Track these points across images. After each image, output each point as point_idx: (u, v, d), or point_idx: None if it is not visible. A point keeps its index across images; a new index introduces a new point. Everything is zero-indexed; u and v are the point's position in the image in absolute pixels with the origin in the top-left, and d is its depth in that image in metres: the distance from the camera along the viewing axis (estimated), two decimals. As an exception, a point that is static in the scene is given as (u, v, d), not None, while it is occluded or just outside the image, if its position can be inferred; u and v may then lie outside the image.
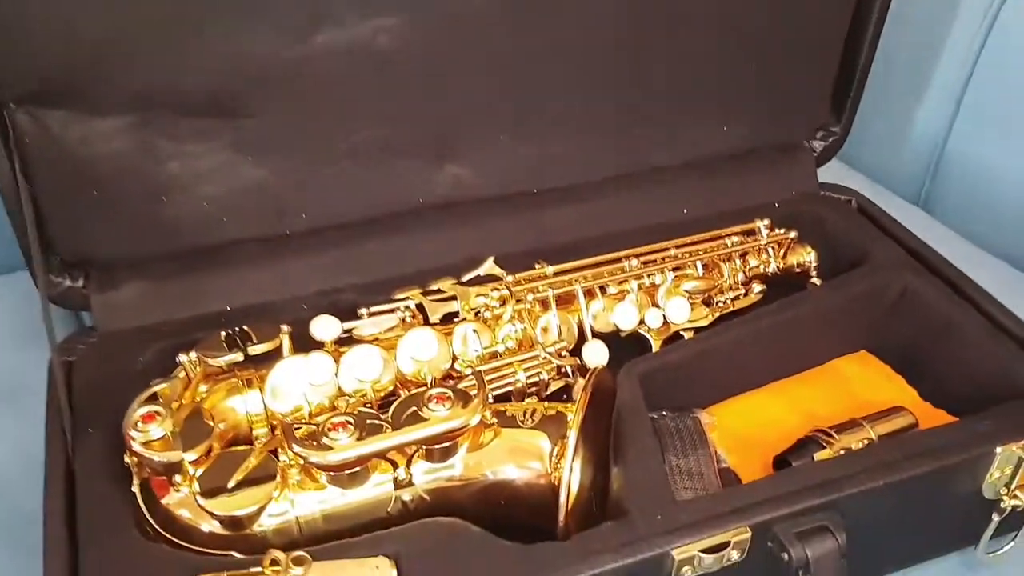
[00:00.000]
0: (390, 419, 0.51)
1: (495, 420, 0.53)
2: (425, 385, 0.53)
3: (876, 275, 0.68)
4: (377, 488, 0.51)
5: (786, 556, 0.49)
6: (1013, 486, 0.55)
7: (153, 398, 0.51)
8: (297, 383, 0.55)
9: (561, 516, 0.49)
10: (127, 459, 0.51)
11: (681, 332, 0.65)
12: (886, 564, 0.58)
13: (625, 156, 0.70)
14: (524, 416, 0.53)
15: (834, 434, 0.59)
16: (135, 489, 0.50)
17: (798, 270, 0.71)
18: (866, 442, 0.58)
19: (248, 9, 0.53)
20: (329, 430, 0.49)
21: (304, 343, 0.56)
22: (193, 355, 0.54)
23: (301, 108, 0.59)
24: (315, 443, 0.49)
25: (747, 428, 0.63)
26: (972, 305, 0.65)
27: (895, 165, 0.96)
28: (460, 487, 0.52)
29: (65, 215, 0.57)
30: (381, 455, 0.50)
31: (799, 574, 0.50)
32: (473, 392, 0.52)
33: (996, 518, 0.56)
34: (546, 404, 0.54)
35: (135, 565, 0.46)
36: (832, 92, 0.75)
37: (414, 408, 0.51)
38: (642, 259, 0.65)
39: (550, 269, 0.63)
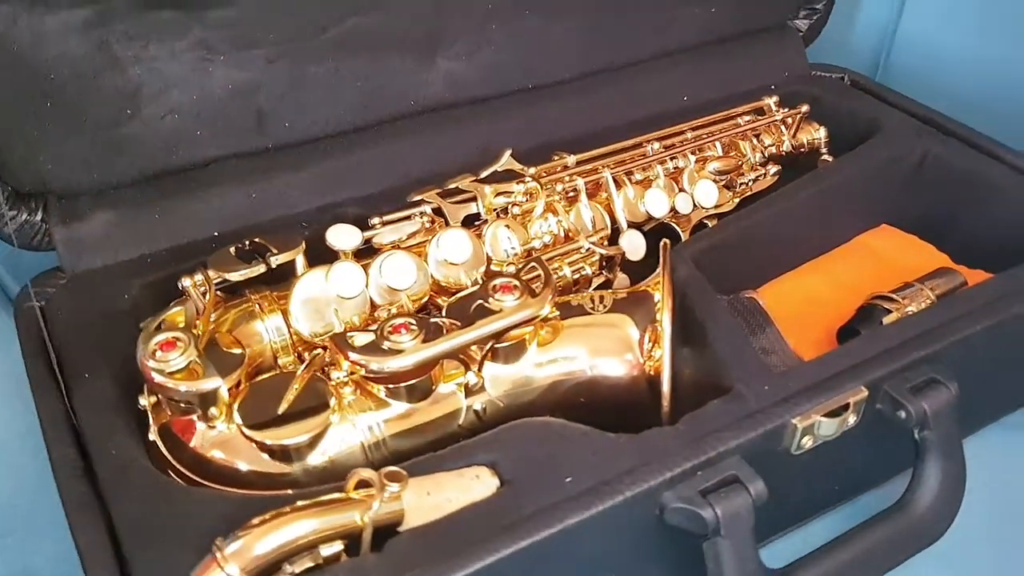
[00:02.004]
0: (456, 321, 0.44)
1: (558, 313, 0.47)
2: (460, 290, 0.47)
3: (892, 143, 0.65)
4: (445, 399, 0.44)
5: (903, 413, 0.45)
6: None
7: (165, 327, 0.42)
8: (324, 300, 0.47)
9: (665, 402, 0.43)
10: (143, 401, 0.42)
11: (704, 221, 0.61)
12: (981, 417, 0.55)
13: (617, 46, 0.65)
14: (594, 304, 0.47)
15: (896, 298, 0.55)
16: (153, 436, 0.42)
17: (809, 148, 0.67)
18: (928, 302, 0.55)
19: None
20: (390, 333, 0.42)
21: (317, 260, 0.48)
22: (198, 278, 0.45)
23: (275, -3, 0.51)
24: (376, 350, 0.41)
25: (794, 308, 0.59)
26: (995, 159, 0.63)
27: (849, 50, 0.95)
28: (538, 390, 0.45)
29: (15, 134, 0.47)
30: (452, 355, 0.43)
31: (916, 432, 0.45)
32: (537, 283, 0.46)
33: (1077, 359, 0.54)
34: (614, 290, 0.49)
35: (180, 512, 0.38)
36: (815, -35, 0.71)
37: (479, 302, 0.44)
38: (663, 143, 0.60)
39: (571, 159, 0.57)
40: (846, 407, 0.44)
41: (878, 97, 0.71)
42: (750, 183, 0.64)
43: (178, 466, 0.42)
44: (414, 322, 0.42)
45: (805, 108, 0.66)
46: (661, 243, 0.48)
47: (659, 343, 0.43)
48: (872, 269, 0.63)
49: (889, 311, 0.54)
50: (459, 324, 0.43)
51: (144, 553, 0.36)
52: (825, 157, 0.67)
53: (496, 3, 0.58)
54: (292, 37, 0.53)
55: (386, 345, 0.42)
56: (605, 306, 0.47)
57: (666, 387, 0.43)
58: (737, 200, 0.63)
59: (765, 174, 0.65)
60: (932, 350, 0.47)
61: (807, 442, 0.44)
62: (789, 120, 0.66)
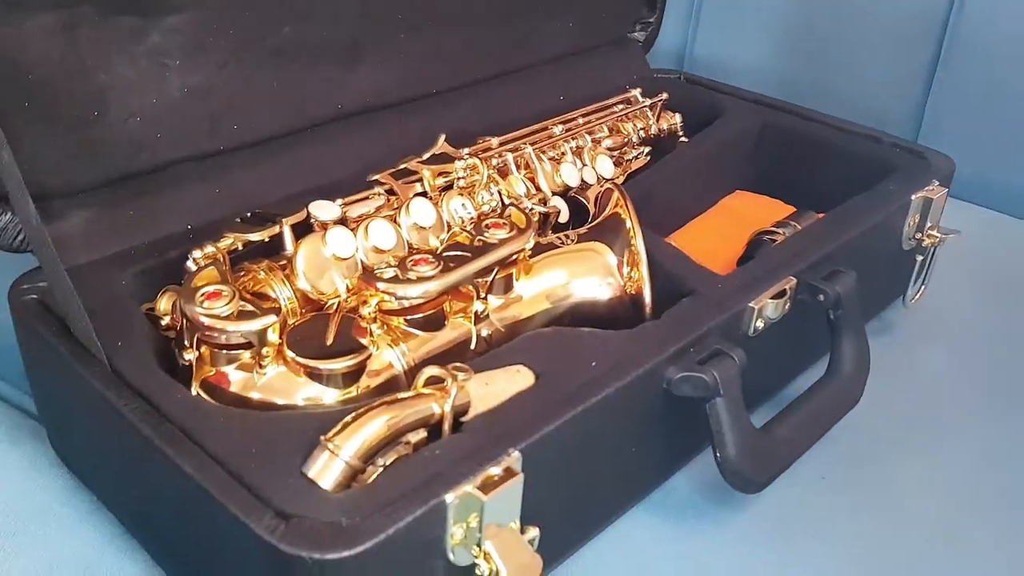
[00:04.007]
0: (467, 252, 0.49)
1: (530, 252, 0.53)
2: (429, 251, 0.52)
3: (736, 120, 0.77)
4: (458, 327, 0.49)
5: (821, 296, 0.55)
6: (926, 228, 0.66)
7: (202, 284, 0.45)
8: (322, 261, 0.51)
9: (647, 308, 0.51)
10: (186, 356, 0.44)
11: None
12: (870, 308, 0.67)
13: (510, 52, 0.74)
14: (563, 240, 0.54)
15: (775, 230, 0.66)
16: (196, 390, 0.44)
17: (669, 132, 0.78)
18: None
19: None
20: (413, 266, 0.47)
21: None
22: (209, 249, 0.48)
23: (219, 6, 0.55)
24: (403, 280, 0.46)
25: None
26: (821, 123, 0.77)
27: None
28: (531, 316, 0.51)
29: (-3, 135, 0.48)
30: (468, 282, 0.48)
31: (832, 313, 0.56)
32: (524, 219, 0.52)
33: (919, 259, 0.67)
34: (576, 229, 0.56)
35: (267, 430, 0.41)
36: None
37: (478, 239, 0.50)
38: (564, 126, 0.69)
39: (495, 141, 0.64)
40: (783, 292, 0.53)
41: (712, 88, 0.83)
42: (632, 160, 0.73)
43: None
44: (431, 256, 0.48)
45: (664, 95, 0.77)
46: (612, 183, 0.56)
47: (635, 262, 0.51)
48: (739, 223, 0.73)
49: (774, 240, 0.65)
50: (469, 256, 0.48)
51: (252, 463, 0.38)
52: (683, 139, 0.78)
53: (405, 16, 0.65)
54: (237, 44, 0.56)
55: (411, 275, 0.46)
56: (573, 238, 0.54)
57: (647, 295, 0.50)
58: (624, 176, 0.72)
59: (641, 154, 0.75)
60: (829, 249, 0.57)
61: (759, 323, 0.53)
62: (653, 107, 0.77)
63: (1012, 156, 0.91)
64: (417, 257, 0.48)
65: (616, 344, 0.48)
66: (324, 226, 0.52)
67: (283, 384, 0.44)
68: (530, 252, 0.53)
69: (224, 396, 0.44)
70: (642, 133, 0.76)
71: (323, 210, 0.53)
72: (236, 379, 0.44)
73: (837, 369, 0.56)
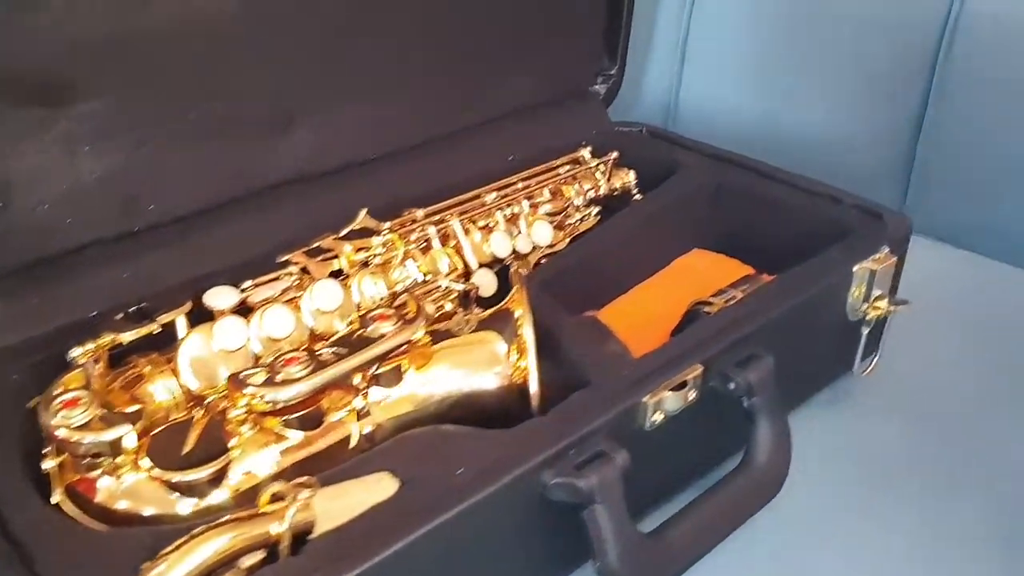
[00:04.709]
0: (343, 349, 0.48)
1: (429, 339, 0.52)
2: (333, 336, 0.52)
3: (691, 178, 0.75)
4: (337, 426, 0.48)
5: (732, 384, 0.53)
6: (872, 299, 0.63)
7: (63, 390, 0.45)
8: (209, 356, 0.50)
9: (535, 400, 0.49)
10: (46, 464, 0.44)
11: (541, 260, 0.68)
12: (795, 397, 0.64)
13: (447, 115, 0.73)
14: (460, 327, 0.53)
15: (712, 300, 0.64)
16: (58, 498, 0.44)
17: (621, 191, 0.76)
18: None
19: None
20: (282, 367, 0.46)
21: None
22: (90, 346, 0.48)
23: (136, 87, 0.55)
24: (271, 382, 0.46)
25: (631, 324, 0.66)
26: (780, 182, 0.74)
27: (638, 116, 1.07)
28: (419, 409, 0.50)
29: None
30: (341, 381, 0.47)
31: (745, 400, 0.53)
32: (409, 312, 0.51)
33: (864, 331, 0.64)
34: (477, 311, 0.55)
35: (102, 550, 0.40)
36: (604, 36, 0.82)
37: (359, 333, 0.49)
38: (499, 193, 0.68)
39: (420, 212, 0.64)
40: (685, 383, 0.51)
41: (673, 143, 0.81)
42: (577, 223, 0.72)
43: (88, 522, 0.44)
44: (303, 355, 0.47)
45: (614, 154, 0.75)
46: (512, 267, 0.55)
47: (523, 351, 0.49)
48: (692, 285, 0.71)
49: (709, 312, 0.63)
50: (344, 353, 0.47)
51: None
52: (636, 197, 0.76)
53: (335, 84, 0.65)
54: (153, 124, 0.57)
55: (279, 377, 0.46)
56: (471, 328, 0.53)
57: (534, 387, 0.49)
58: (568, 239, 0.70)
59: (588, 215, 0.73)
60: (748, 331, 0.55)
61: (658, 417, 0.51)
62: (603, 166, 0.75)
63: (1005, 200, 0.87)
64: (288, 356, 0.47)
65: (492, 445, 0.47)
66: (222, 314, 0.52)
67: (144, 492, 0.44)
68: (428, 340, 0.52)
69: (87, 505, 0.44)
70: (592, 193, 0.74)
71: (218, 298, 0.53)
72: (101, 487, 0.44)
73: (750, 460, 0.53)
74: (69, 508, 0.44)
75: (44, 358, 0.52)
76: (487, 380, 0.50)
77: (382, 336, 0.48)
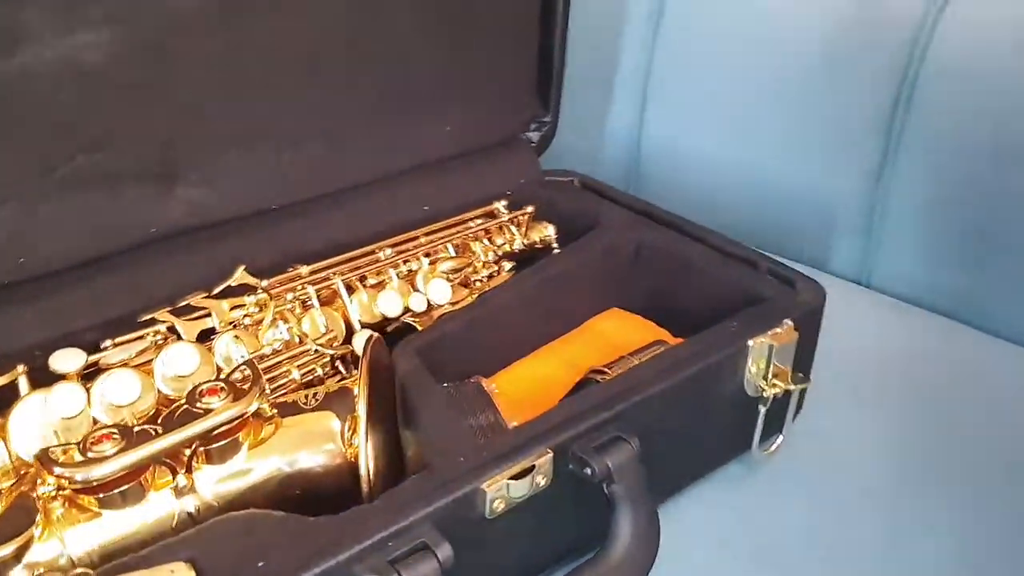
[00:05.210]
0: (160, 426, 0.47)
1: (275, 412, 0.51)
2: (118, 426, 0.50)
3: (608, 234, 0.72)
4: (157, 504, 0.47)
5: (589, 470, 0.50)
6: (770, 376, 0.60)
7: None
8: (45, 422, 0.49)
9: (364, 484, 0.47)
10: None
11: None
12: (678, 480, 0.61)
13: (358, 163, 0.71)
14: (307, 400, 0.51)
15: (606, 370, 0.61)
16: None
17: (541, 245, 0.74)
18: (634, 372, 0.61)
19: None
20: (92, 444, 0.45)
21: (47, 384, 0.51)
22: (-87, 408, 0.47)
23: (5, 137, 0.54)
24: (79, 461, 0.44)
25: (527, 391, 0.64)
26: (701, 243, 0.71)
27: (603, 157, 1.05)
28: (250, 487, 0.49)
29: None
30: (156, 460, 0.46)
31: (605, 486, 0.51)
32: (246, 383, 0.49)
33: (762, 409, 0.61)
34: (327, 384, 0.53)
35: None
36: (536, 84, 0.80)
37: (185, 407, 0.47)
38: (395, 249, 0.66)
39: (305, 269, 0.62)
40: (531, 469, 0.49)
41: (602, 195, 0.79)
42: (485, 279, 0.69)
43: None
44: (117, 432, 0.45)
45: (530, 209, 0.73)
46: (367, 336, 0.53)
47: (357, 431, 0.47)
48: (601, 349, 0.69)
49: (600, 383, 0.60)
50: (158, 432, 0.46)
51: None
52: (556, 252, 0.74)
53: (227, 130, 0.63)
54: (19, 178, 0.56)
55: (89, 455, 0.44)
56: (317, 400, 0.51)
57: (363, 469, 0.47)
58: (476, 295, 0.68)
59: (500, 270, 0.71)
60: (614, 411, 0.52)
61: (499, 506, 0.48)
62: (518, 220, 0.73)
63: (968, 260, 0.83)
64: (100, 434, 0.45)
65: (309, 533, 0.44)
66: (63, 379, 0.51)
67: (-63, 569, 0.43)
68: (274, 413, 0.50)
69: None
70: (507, 248, 0.72)
71: (63, 360, 0.52)
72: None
73: (605, 552, 0.50)
74: None
75: None
76: (319, 460, 0.49)
77: (206, 412, 0.47)
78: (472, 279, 0.69)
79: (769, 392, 0.60)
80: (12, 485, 0.46)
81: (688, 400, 0.57)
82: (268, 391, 0.53)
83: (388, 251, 0.65)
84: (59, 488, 0.45)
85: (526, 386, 0.65)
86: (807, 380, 0.61)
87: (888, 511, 0.61)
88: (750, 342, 0.59)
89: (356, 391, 0.48)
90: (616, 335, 0.71)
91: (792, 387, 0.60)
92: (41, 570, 0.42)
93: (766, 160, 0.94)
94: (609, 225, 0.73)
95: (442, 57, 0.73)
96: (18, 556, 0.43)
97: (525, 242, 0.73)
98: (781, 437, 0.63)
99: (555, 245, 0.74)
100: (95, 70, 0.55)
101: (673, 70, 0.98)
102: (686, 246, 0.71)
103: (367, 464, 0.47)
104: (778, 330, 0.60)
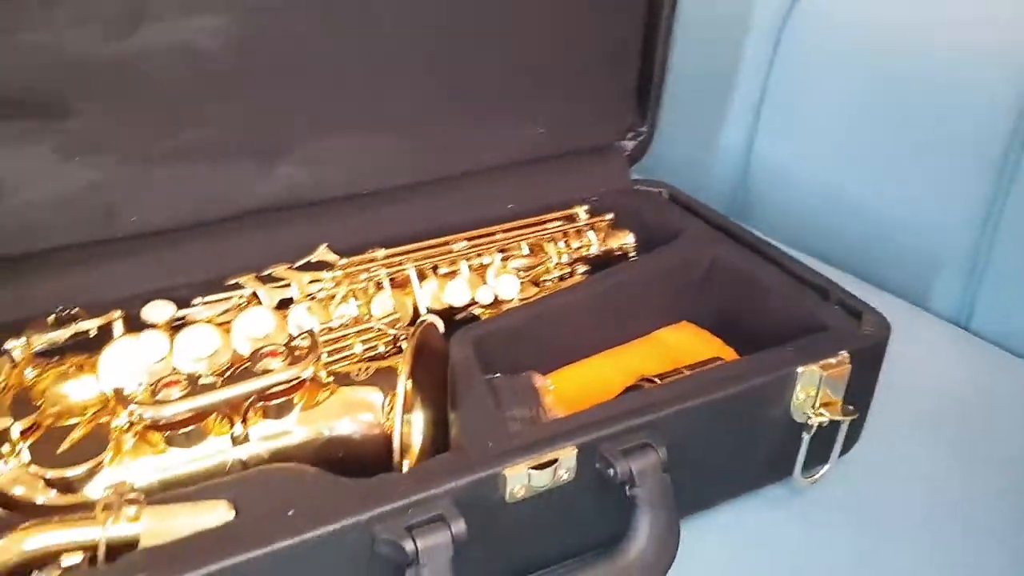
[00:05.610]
0: (223, 380, 0.52)
1: (331, 380, 0.55)
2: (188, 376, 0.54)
3: (686, 248, 0.74)
4: (214, 448, 0.52)
5: (612, 471, 0.52)
6: (817, 405, 0.60)
7: (-24, 378, 0.51)
8: (131, 365, 0.55)
9: (396, 455, 0.51)
10: (-50, 444, 0.50)
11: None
12: (713, 494, 0.62)
13: (449, 156, 0.75)
14: (358, 373, 0.55)
15: (657, 380, 0.63)
16: (-41, 472, 0.50)
17: (618, 253, 0.76)
18: (684, 385, 0.62)
19: (66, 3, 0.56)
20: (162, 388, 0.50)
21: (139, 331, 0.57)
22: (22, 340, 0.54)
23: (124, 108, 0.61)
24: (149, 401, 0.50)
25: (581, 392, 0.66)
26: (776, 266, 0.71)
27: (708, 180, 1.05)
28: (297, 445, 0.53)
29: None
30: (216, 409, 0.51)
31: (626, 488, 0.53)
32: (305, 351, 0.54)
33: (806, 436, 0.61)
34: (380, 362, 0.57)
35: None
36: (636, 93, 0.82)
37: (247, 365, 0.52)
38: (471, 242, 0.69)
39: (381, 252, 0.66)
40: (554, 462, 0.51)
41: (688, 208, 0.80)
42: (556, 280, 0.72)
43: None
44: (184, 380, 0.51)
45: (610, 216, 0.75)
46: (419, 320, 0.56)
47: (393, 404, 0.51)
48: (661, 359, 0.70)
49: (644, 389, 0.62)
50: (217, 384, 0.51)
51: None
52: (631, 260, 0.76)
53: (325, 119, 0.68)
54: (136, 144, 0.62)
55: (158, 398, 0.50)
56: (367, 374, 0.55)
57: (395, 442, 0.50)
58: (544, 295, 0.71)
59: (572, 273, 0.73)
60: (646, 419, 0.54)
61: (519, 492, 0.51)
62: (597, 226, 0.75)
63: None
64: (170, 379, 0.51)
65: (337, 492, 0.49)
66: (152, 327, 0.57)
67: (20, 481, 0.49)
68: (330, 380, 0.55)
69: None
70: (584, 252, 0.74)
71: (154, 311, 0.57)
72: (-2, 465, 0.49)
73: (620, 550, 0.53)
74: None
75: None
76: (358, 428, 0.52)
77: (266, 372, 0.51)
78: (543, 279, 0.71)
79: (814, 420, 0.60)
80: (94, 414, 0.51)
81: (727, 418, 0.58)
82: (325, 360, 0.57)
83: (463, 243, 0.69)
84: (131, 423, 0.50)
85: (581, 386, 0.67)
86: (855, 413, 0.61)
87: (931, 555, 0.60)
88: (799, 369, 0.59)
89: (400, 369, 0.52)
90: (680, 348, 0.72)
91: (841, 418, 0.60)
92: (108, 491, 0.47)
93: (873, 189, 0.93)
94: (688, 239, 0.75)
95: (543, 58, 0.75)
96: (90, 475, 0.49)
97: (602, 248, 0.75)
98: (826, 467, 0.63)
99: (632, 254, 0.76)
100: (208, 52, 0.61)
101: (789, 91, 0.98)
102: (760, 267, 0.72)
103: (399, 437, 0.50)
104: (831, 360, 0.60)
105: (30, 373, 0.53)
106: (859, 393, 0.63)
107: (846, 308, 0.66)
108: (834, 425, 0.61)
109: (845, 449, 0.64)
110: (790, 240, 0.94)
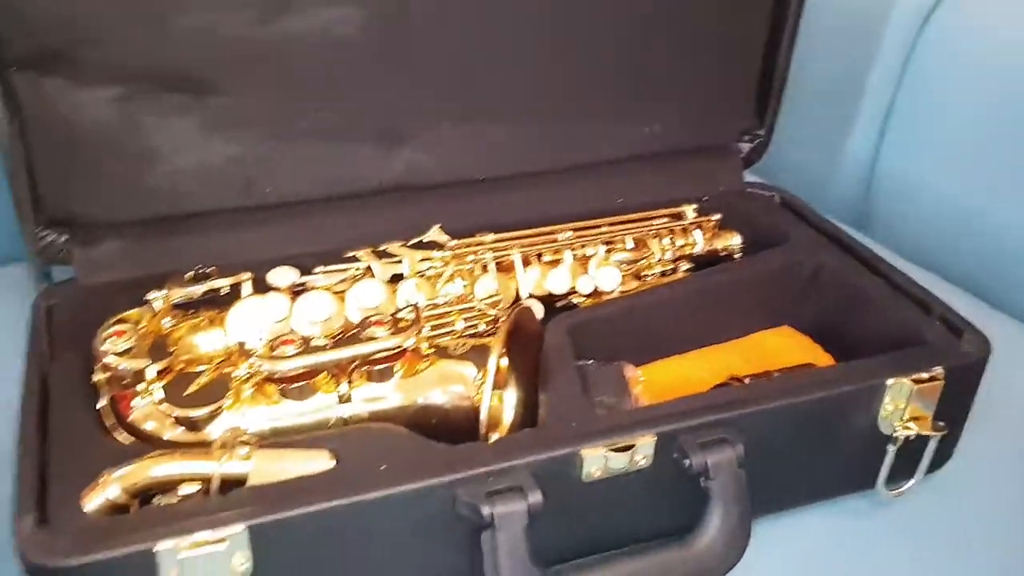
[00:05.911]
0: (333, 343, 0.57)
1: (431, 352, 0.59)
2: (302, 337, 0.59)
3: (792, 253, 0.74)
4: (322, 404, 0.56)
5: (688, 462, 0.54)
6: (906, 417, 0.60)
7: (121, 322, 0.57)
8: (255, 322, 0.61)
9: (482, 427, 0.54)
10: (96, 377, 0.56)
11: (612, 304, 0.71)
12: (790, 496, 0.63)
13: (565, 148, 0.78)
14: (456, 348, 0.59)
15: (746, 381, 0.64)
16: (101, 405, 0.56)
17: (724, 253, 0.77)
18: (772, 387, 0.64)
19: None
20: (279, 345, 0.55)
21: (264, 292, 0.63)
22: (163, 292, 0.60)
23: (265, 89, 0.66)
24: (267, 356, 0.55)
25: (670, 386, 0.68)
26: (881, 277, 0.71)
27: (829, 188, 1.04)
28: (395, 408, 0.57)
29: (54, 175, 0.64)
30: (325, 369, 0.56)
31: (701, 480, 0.55)
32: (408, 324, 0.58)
33: (891, 448, 0.61)
34: (477, 340, 0.60)
35: (94, 458, 0.51)
36: (756, 95, 0.82)
37: (356, 331, 0.57)
38: (576, 232, 0.72)
39: (489, 236, 0.70)
40: (631, 447, 0.54)
41: (799, 215, 0.80)
42: (658, 276, 0.74)
43: (121, 430, 0.55)
44: (299, 339, 0.56)
45: (717, 216, 0.76)
46: (515, 305, 0.60)
47: (484, 381, 0.55)
48: (755, 361, 0.71)
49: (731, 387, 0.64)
50: (326, 347, 0.56)
51: (60, 483, 0.50)
52: (736, 260, 0.77)
53: (450, 107, 0.72)
54: (274, 122, 0.68)
55: (274, 354, 0.55)
56: (464, 349, 0.59)
57: (483, 413, 0.54)
58: (640, 289, 0.73)
59: (676, 269, 0.75)
60: (727, 415, 0.56)
61: (596, 472, 0.54)
62: (703, 225, 0.76)
63: None
64: (286, 338, 0.56)
65: (427, 453, 0.53)
66: (276, 290, 0.62)
67: (152, 417, 0.55)
68: (431, 351, 0.59)
69: (120, 418, 0.56)
70: (688, 250, 0.76)
71: (278, 276, 0.63)
72: (133, 405, 0.56)
73: (689, 540, 0.55)
74: (107, 414, 0.56)
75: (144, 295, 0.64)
76: (449, 399, 0.56)
77: (371, 339, 0.56)
78: (645, 274, 0.74)
79: (901, 433, 0.61)
80: (219, 364, 0.57)
81: (810, 422, 0.59)
82: (428, 334, 0.61)
83: (568, 233, 0.72)
84: (250, 374, 0.56)
85: (672, 380, 0.69)
86: (944, 429, 0.61)
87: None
88: (889, 381, 0.60)
89: (492, 348, 0.55)
90: (776, 352, 0.73)
91: (930, 433, 0.60)
92: (226, 433, 0.53)
93: (1001, 208, 0.91)
94: (794, 244, 0.75)
95: (663, 54, 0.77)
96: (211, 418, 0.55)
97: (707, 248, 0.76)
98: (912, 481, 0.63)
99: (738, 255, 0.77)
100: (343, 40, 0.66)
101: (920, 103, 0.96)
102: (864, 277, 0.72)
103: (487, 410, 0.54)
104: (923, 375, 0.60)
105: (167, 322, 0.59)
106: (954, 410, 0.63)
107: (948, 324, 0.66)
108: (923, 440, 0.61)
109: (935, 466, 0.64)
110: (911, 255, 0.92)
